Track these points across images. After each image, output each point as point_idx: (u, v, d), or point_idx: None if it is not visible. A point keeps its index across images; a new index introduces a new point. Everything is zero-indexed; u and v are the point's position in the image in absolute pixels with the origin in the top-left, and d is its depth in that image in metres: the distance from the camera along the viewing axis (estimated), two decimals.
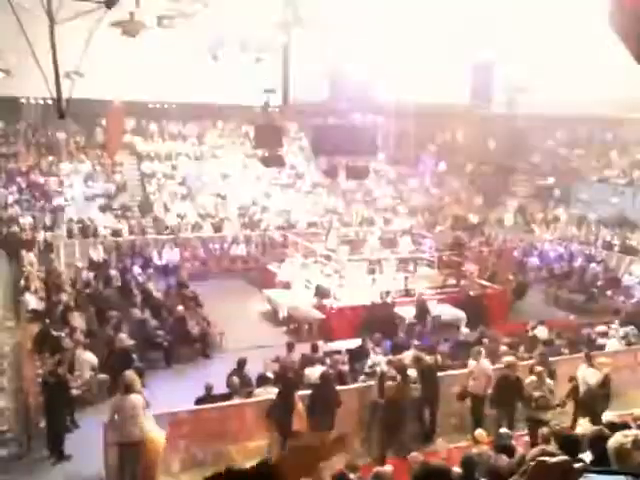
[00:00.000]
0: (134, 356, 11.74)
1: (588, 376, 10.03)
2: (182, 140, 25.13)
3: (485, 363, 10.11)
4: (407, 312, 14.99)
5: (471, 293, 16.47)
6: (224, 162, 24.79)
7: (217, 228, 21.55)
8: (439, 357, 11.28)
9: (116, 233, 20.21)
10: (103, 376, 11.25)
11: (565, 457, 2.63)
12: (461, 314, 15.34)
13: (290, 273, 17.62)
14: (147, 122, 24.86)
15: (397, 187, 26.42)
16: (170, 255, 19.61)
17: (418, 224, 22.57)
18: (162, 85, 19.15)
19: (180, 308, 14.29)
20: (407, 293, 16.04)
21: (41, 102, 20.67)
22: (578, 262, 20.08)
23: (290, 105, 16.09)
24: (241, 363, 10.50)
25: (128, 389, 8.37)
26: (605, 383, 9.84)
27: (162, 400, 9.78)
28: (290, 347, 11.68)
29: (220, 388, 10.14)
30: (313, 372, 10.19)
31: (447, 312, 15.47)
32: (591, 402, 9.77)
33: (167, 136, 24.97)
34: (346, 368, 10.82)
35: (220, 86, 18.78)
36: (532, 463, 2.62)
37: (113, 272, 17.05)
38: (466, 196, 26.21)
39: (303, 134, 26.40)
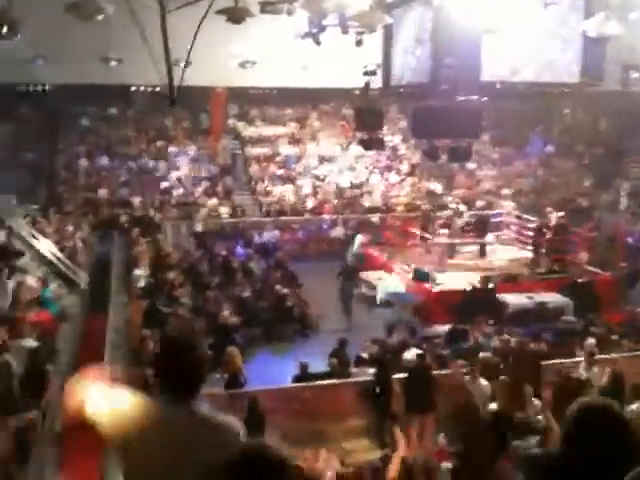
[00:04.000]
0: (236, 333, 12.11)
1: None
2: (282, 124, 25.48)
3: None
4: (511, 299, 14.56)
5: (579, 280, 15.74)
6: (324, 145, 24.94)
7: (316, 210, 21.75)
8: (543, 345, 10.90)
9: (219, 215, 20.86)
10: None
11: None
12: (567, 301, 14.72)
13: (389, 256, 17.60)
14: (249, 107, 25.39)
15: (501, 169, 25.57)
16: (270, 236, 20.02)
17: (522, 207, 21.78)
18: (263, 70, 19.45)
19: (280, 287, 14.57)
20: (512, 279, 15.56)
21: (150, 89, 21.53)
22: None
23: (391, 86, 15.88)
24: (342, 344, 10.58)
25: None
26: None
27: (262, 376, 10.05)
28: (390, 330, 11.67)
29: (317, 368, 10.28)
30: (411, 355, 10.13)
31: (552, 299, 14.89)
32: None
33: (268, 120, 25.39)
34: (445, 352, 10.66)
35: (321, 69, 18.84)
36: None
37: (217, 252, 17.64)
38: (575, 178, 24.98)
39: (404, 115, 26.06)
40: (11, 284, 9.26)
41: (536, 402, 7.88)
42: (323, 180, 23.32)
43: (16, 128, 21.63)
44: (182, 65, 13.64)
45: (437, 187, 23.71)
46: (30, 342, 7.44)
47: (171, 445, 2.38)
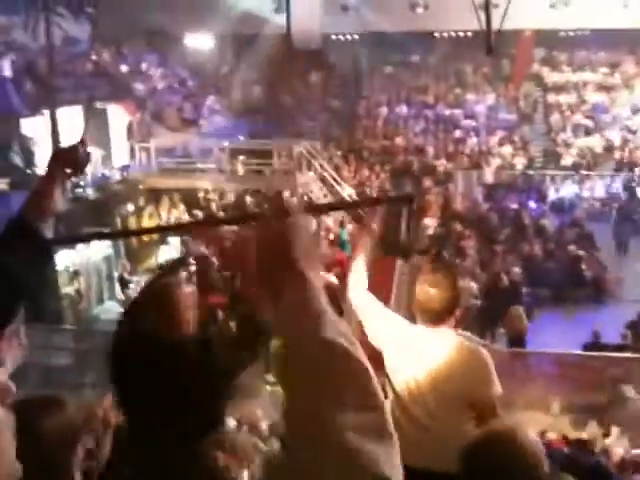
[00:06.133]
0: (522, 291, 11.73)
1: None
2: (592, 70, 23.30)
3: None
4: None
5: None
6: (639, 93, 22.26)
7: (623, 165, 19.68)
8: None
9: (513, 166, 20.09)
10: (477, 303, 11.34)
11: None
12: None
13: None
14: (557, 51, 23.66)
15: None
16: (568, 192, 18.74)
17: None
18: (576, 10, 17.90)
19: (574, 248, 13.69)
20: None
21: (454, 35, 21.32)
22: None
23: None
24: None
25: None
26: None
27: (548, 339, 9.63)
28: None
29: (610, 339, 9.53)
30: None
31: None
32: None
33: (576, 65, 23.44)
34: None
35: None
36: None
37: (507, 205, 17.12)
38: None
39: None
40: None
41: None
42: (635, 132, 20.94)
43: (325, 76, 23.25)
44: (496, 9, 13.05)
45: None
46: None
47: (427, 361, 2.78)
